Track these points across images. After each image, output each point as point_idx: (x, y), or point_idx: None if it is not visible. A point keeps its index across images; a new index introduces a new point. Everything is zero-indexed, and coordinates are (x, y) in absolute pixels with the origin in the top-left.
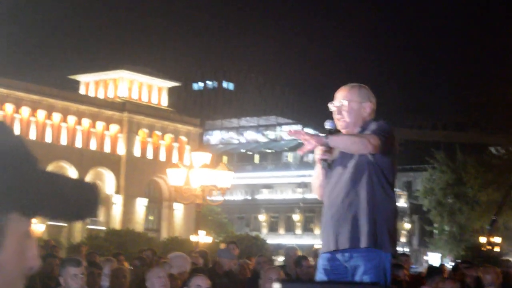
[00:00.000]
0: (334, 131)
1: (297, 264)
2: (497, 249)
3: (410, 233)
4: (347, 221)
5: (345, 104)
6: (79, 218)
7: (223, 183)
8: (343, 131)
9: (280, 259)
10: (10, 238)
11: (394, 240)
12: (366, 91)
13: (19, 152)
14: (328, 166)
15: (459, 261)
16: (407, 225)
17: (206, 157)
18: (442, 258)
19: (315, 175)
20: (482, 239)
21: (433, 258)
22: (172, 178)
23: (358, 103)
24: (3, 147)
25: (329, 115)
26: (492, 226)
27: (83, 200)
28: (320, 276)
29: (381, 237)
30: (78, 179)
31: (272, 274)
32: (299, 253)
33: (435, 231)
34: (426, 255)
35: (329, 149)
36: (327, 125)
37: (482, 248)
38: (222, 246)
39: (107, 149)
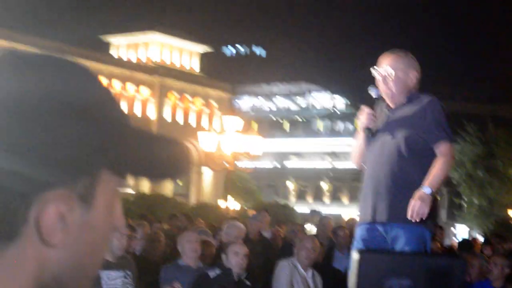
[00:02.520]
0: (379, 99)
1: (334, 233)
2: None
3: (439, 206)
4: (389, 194)
5: (391, 72)
6: (169, 177)
7: (255, 150)
8: (387, 100)
9: (307, 227)
10: (100, 197)
11: (434, 218)
12: (412, 60)
13: (111, 106)
14: (372, 135)
15: (485, 235)
16: (437, 198)
17: (237, 122)
18: (470, 231)
19: (357, 143)
20: (511, 213)
21: (461, 231)
22: (204, 143)
23: (404, 72)
24: (96, 100)
25: (360, 83)
26: None
27: (174, 159)
28: (357, 246)
29: None
30: (169, 137)
31: (308, 242)
32: (332, 223)
33: (464, 204)
34: (454, 228)
35: (374, 118)
36: (372, 92)
37: (511, 222)
38: (251, 213)
39: (137, 112)
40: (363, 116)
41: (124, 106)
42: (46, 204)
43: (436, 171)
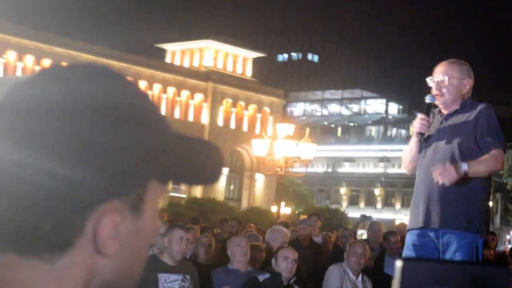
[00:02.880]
0: (434, 106)
1: (385, 239)
2: None
3: (492, 212)
4: (441, 200)
5: (445, 79)
6: (208, 182)
7: (306, 155)
8: (440, 106)
9: (360, 232)
10: (147, 204)
11: (487, 225)
12: (466, 68)
13: (155, 115)
14: (424, 140)
15: None
16: (490, 203)
17: (289, 128)
18: None
19: (409, 148)
20: None
21: None
22: (256, 149)
23: (458, 80)
24: (142, 109)
25: (413, 90)
26: None
27: (211, 163)
28: (408, 252)
29: (475, 221)
30: (206, 141)
31: (358, 248)
32: (383, 228)
33: None
34: (508, 234)
35: (427, 123)
36: (428, 99)
37: None
38: (302, 217)
39: (191, 118)
40: (416, 121)
41: (177, 112)
42: (103, 216)
43: (481, 160)
